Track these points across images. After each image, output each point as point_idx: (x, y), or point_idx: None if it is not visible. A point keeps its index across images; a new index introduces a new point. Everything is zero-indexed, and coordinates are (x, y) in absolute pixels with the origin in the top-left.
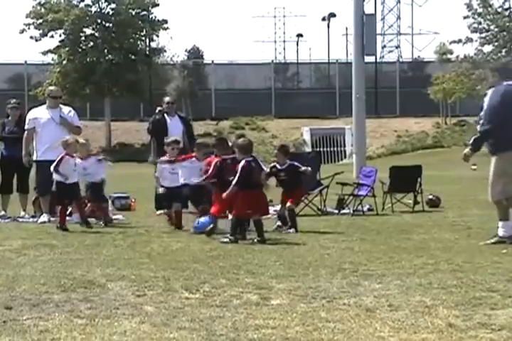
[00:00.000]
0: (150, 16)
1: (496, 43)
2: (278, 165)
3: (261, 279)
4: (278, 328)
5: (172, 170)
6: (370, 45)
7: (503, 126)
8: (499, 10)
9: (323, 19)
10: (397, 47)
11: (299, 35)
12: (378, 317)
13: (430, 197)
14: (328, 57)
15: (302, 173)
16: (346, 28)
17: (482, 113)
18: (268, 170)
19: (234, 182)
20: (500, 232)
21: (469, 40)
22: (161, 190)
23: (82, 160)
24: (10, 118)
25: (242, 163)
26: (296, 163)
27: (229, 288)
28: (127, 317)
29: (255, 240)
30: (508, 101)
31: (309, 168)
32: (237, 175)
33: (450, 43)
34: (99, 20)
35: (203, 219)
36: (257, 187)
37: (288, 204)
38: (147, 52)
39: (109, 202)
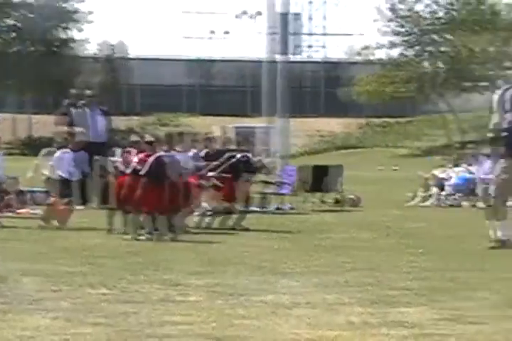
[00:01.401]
0: (74, 8)
1: (418, 47)
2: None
3: (179, 276)
4: (194, 324)
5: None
6: (290, 44)
7: None
8: (422, 14)
9: (251, 17)
10: (322, 47)
11: (226, 33)
12: (295, 315)
13: (351, 196)
14: (253, 55)
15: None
16: (271, 27)
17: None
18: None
19: (141, 173)
20: (499, 233)
21: (393, 45)
22: (56, 177)
23: None
24: None
25: (152, 157)
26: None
27: (146, 285)
28: (41, 313)
29: (169, 237)
30: None
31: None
32: (145, 168)
33: (375, 49)
34: (22, 11)
35: None
36: (164, 183)
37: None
38: (70, 45)
39: (28, 196)
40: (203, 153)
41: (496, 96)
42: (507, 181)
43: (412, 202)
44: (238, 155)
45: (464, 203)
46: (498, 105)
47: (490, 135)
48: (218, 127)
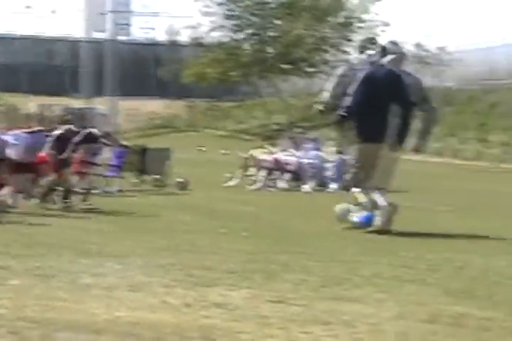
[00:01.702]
0: None
1: (247, 31)
2: None
3: None
4: (13, 308)
5: None
6: (114, 23)
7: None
8: None
9: None
10: (151, 28)
11: (53, 12)
12: (117, 297)
13: (179, 179)
14: (78, 34)
15: None
16: (96, 6)
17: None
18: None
19: None
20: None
21: (222, 28)
22: None
23: None
24: None
25: None
26: None
27: None
28: None
29: None
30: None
31: None
32: None
33: (210, 31)
34: None
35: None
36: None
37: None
38: None
39: None
40: (57, 133)
41: (336, 73)
42: (362, 166)
43: (230, 183)
44: (83, 132)
45: (283, 185)
46: (337, 83)
47: (318, 107)
48: (36, 105)
